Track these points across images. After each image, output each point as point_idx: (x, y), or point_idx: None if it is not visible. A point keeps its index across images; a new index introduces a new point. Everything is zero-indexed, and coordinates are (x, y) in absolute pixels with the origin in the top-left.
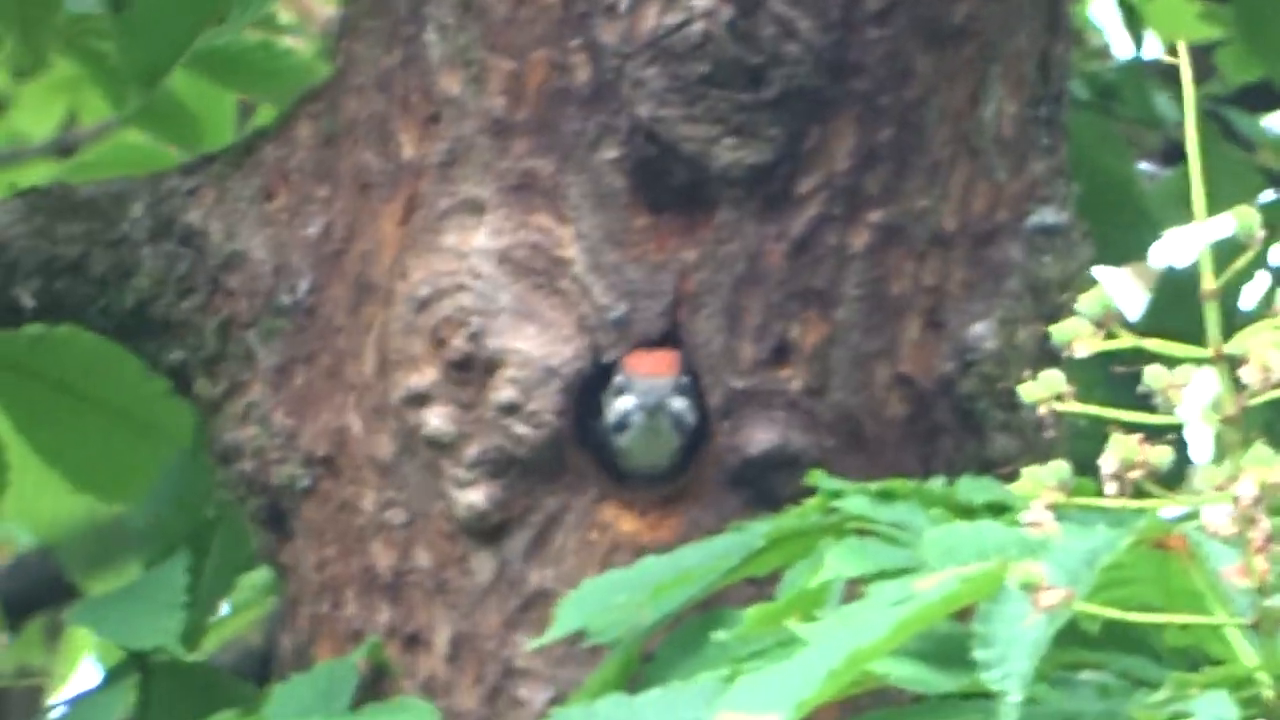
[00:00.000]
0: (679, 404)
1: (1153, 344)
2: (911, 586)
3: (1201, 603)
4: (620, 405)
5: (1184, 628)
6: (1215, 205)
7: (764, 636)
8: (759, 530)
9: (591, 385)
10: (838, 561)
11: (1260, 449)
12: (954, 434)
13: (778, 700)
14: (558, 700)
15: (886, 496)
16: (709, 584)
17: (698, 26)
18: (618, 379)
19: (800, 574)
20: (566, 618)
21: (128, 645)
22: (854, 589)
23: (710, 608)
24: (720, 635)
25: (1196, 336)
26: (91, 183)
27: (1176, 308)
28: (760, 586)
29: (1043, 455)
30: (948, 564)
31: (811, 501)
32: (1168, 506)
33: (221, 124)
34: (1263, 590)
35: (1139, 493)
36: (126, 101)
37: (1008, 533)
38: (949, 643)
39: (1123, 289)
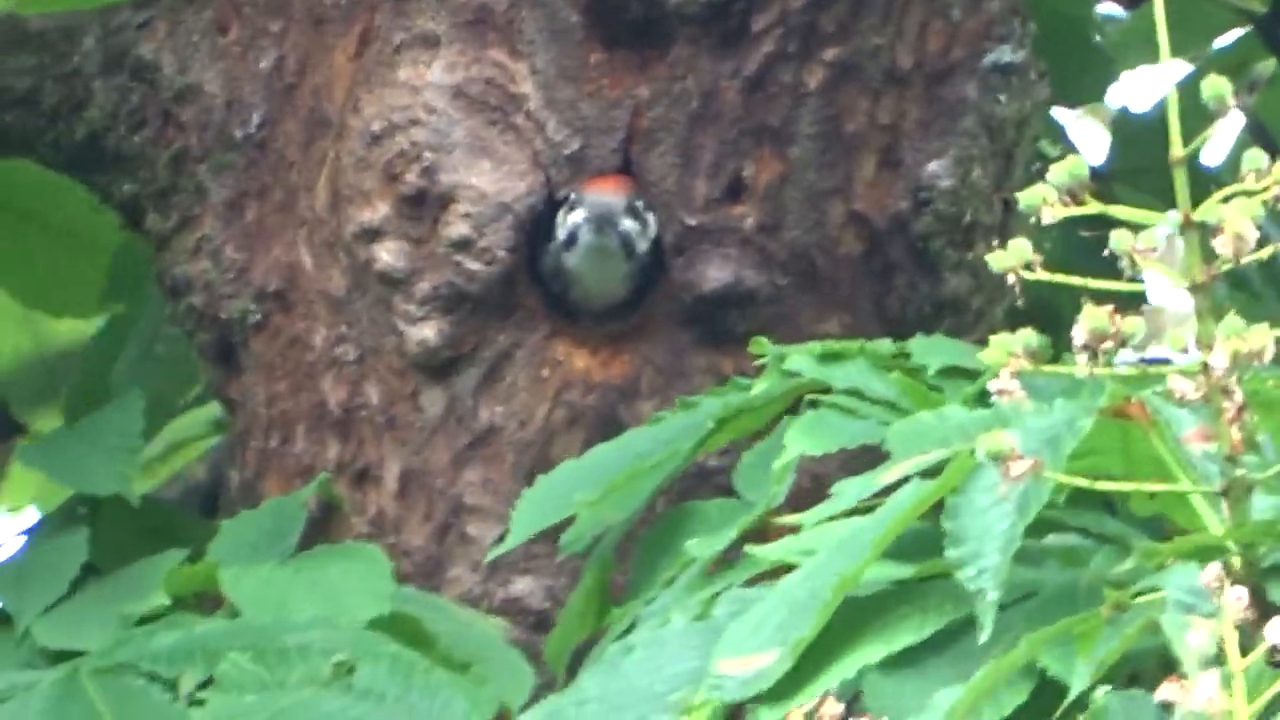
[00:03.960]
0: (629, 224)
1: (1120, 211)
2: (876, 480)
3: (1164, 470)
4: (570, 220)
5: (1151, 496)
6: (1177, 46)
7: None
8: (708, 410)
9: (545, 222)
10: (797, 439)
11: (1232, 319)
12: (908, 272)
13: (772, 638)
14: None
15: (834, 357)
16: (665, 477)
17: None
18: (570, 197)
19: (758, 456)
20: (524, 520)
21: (82, 489)
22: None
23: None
24: (692, 545)
25: (1158, 180)
26: (42, 16)
27: (1137, 149)
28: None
29: (995, 296)
30: (912, 452)
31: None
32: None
33: None
34: (1233, 459)
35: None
36: None
37: (970, 416)
38: (914, 536)
39: (1082, 131)
